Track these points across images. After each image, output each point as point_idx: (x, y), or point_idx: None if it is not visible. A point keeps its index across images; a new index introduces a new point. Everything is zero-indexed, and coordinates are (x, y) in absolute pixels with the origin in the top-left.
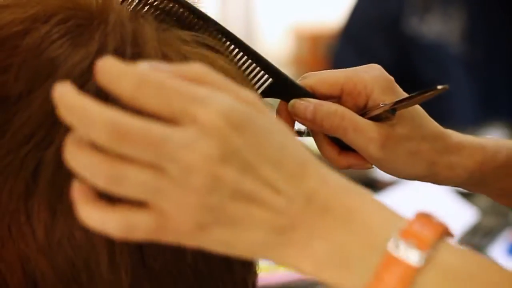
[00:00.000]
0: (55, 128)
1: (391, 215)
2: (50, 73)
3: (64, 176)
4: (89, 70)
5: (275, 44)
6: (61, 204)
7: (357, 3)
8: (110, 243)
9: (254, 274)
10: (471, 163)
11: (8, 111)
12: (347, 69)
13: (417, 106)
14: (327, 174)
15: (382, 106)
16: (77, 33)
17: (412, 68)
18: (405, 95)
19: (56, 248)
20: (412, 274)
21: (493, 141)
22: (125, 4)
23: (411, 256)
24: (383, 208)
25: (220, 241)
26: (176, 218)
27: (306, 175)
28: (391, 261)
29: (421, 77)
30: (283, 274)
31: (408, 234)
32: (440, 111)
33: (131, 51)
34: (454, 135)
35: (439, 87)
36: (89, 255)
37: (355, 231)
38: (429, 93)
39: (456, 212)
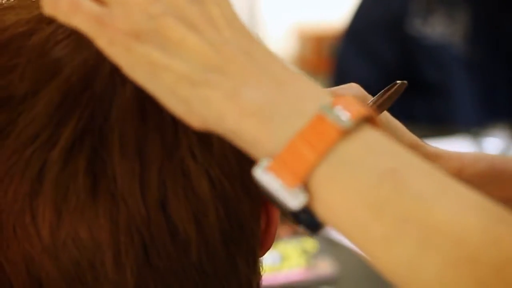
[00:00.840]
0: (60, 128)
1: (328, 94)
2: (55, 74)
3: (69, 176)
4: (93, 70)
5: (278, 44)
6: (66, 204)
7: (360, 3)
8: (115, 243)
9: (259, 275)
10: (449, 170)
11: (13, 111)
12: (328, 89)
13: (395, 120)
14: (274, 54)
15: None
16: (82, 33)
17: (415, 69)
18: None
19: (61, 248)
20: (337, 137)
21: (472, 153)
22: None
23: (341, 118)
24: (323, 90)
25: (147, 60)
26: (118, 16)
27: (253, 40)
28: (318, 122)
29: (424, 78)
30: (286, 274)
31: (339, 102)
32: (443, 112)
33: None
34: (430, 146)
35: (398, 82)
36: (94, 255)
37: (288, 92)
38: (391, 91)
39: None
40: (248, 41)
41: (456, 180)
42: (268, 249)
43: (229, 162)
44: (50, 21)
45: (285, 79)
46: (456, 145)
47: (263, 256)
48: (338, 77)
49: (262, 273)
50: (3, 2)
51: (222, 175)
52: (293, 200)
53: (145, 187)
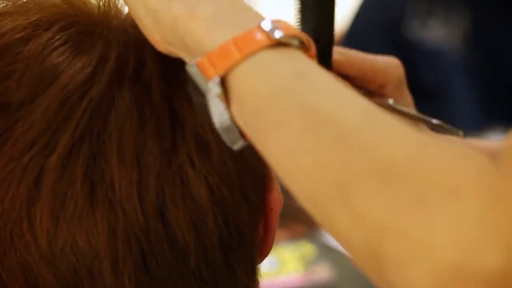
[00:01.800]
0: (57, 135)
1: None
2: (52, 80)
3: (66, 183)
4: (91, 77)
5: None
6: (64, 212)
7: (360, 7)
8: (113, 251)
9: (257, 282)
10: None
11: (10, 118)
12: (371, 55)
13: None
14: None
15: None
16: (79, 40)
17: (413, 73)
18: (409, 96)
19: (59, 256)
20: (265, 45)
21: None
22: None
23: (275, 33)
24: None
25: None
26: None
27: None
28: (253, 32)
29: (422, 82)
30: (284, 280)
31: (280, 23)
32: (441, 116)
33: (134, 58)
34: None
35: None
36: (92, 263)
37: (238, 7)
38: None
39: None
40: None
41: (356, 93)
42: (266, 256)
43: (228, 169)
44: (47, 27)
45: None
46: None
47: (260, 263)
48: None
49: (259, 281)
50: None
51: (220, 182)
52: (209, 91)
53: (143, 194)
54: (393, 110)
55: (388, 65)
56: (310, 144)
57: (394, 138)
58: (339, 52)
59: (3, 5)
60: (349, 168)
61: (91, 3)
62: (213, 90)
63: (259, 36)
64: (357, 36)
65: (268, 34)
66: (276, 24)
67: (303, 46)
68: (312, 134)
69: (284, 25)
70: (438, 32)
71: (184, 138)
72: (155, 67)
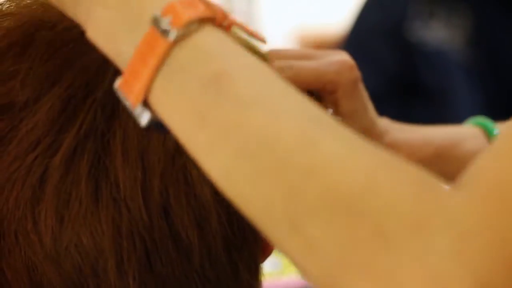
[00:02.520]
0: (62, 135)
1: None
2: (56, 80)
3: (71, 183)
4: (95, 77)
5: (278, 48)
6: (68, 211)
7: (361, 8)
8: (118, 249)
9: (260, 281)
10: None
11: (15, 118)
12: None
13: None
14: None
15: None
16: (83, 40)
17: (415, 74)
18: (363, 99)
19: (63, 255)
20: (167, 48)
21: (422, 136)
22: None
23: (168, 28)
24: None
25: None
26: None
27: None
28: (150, 35)
29: (424, 83)
30: (286, 281)
31: (169, 10)
32: (443, 118)
33: None
34: (381, 126)
35: None
36: (97, 261)
37: (132, 5)
38: None
39: None
40: None
41: (283, 82)
42: (269, 255)
43: None
44: (51, 26)
45: None
46: None
47: (263, 262)
48: None
49: (261, 280)
50: (2, 7)
51: None
52: (140, 118)
53: (148, 193)
54: None
55: (338, 69)
56: (247, 170)
57: (343, 158)
58: (287, 67)
59: (7, 5)
60: (296, 197)
61: None
62: (140, 118)
63: (156, 39)
64: (359, 38)
65: (163, 34)
66: (168, 14)
67: (207, 21)
68: (247, 159)
69: (176, 13)
70: (440, 33)
71: None
72: None
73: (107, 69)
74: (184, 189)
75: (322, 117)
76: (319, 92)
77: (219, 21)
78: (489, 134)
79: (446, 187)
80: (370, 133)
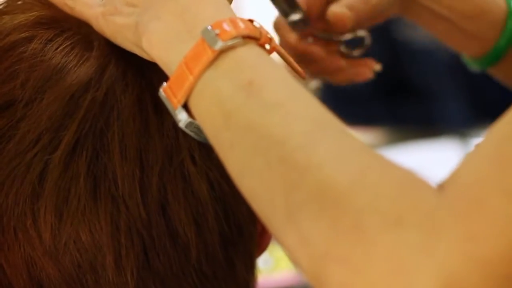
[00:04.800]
0: (61, 132)
1: (223, 13)
2: (57, 80)
3: (70, 179)
4: (95, 75)
5: None
6: (68, 207)
7: None
8: (116, 246)
9: (255, 277)
10: None
11: (15, 116)
12: None
13: None
14: None
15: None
16: (83, 39)
17: (403, 72)
18: None
19: (62, 251)
20: (210, 58)
21: None
22: None
23: (215, 40)
24: (222, 7)
25: (115, 25)
26: None
27: None
28: (199, 45)
29: (412, 81)
30: (278, 278)
31: (219, 24)
32: (431, 115)
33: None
34: None
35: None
36: (95, 257)
37: (187, 19)
38: None
39: None
40: None
41: (305, 93)
42: (264, 250)
43: None
44: (49, 26)
45: (189, 4)
46: (444, 147)
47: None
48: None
49: (257, 276)
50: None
51: (221, 177)
52: (179, 119)
53: (146, 190)
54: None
55: None
56: (258, 165)
57: (338, 158)
58: (347, 7)
59: (4, 5)
60: (294, 190)
61: None
62: (180, 118)
63: (203, 49)
64: None
65: (210, 46)
66: (217, 28)
67: (251, 40)
68: (260, 155)
69: (224, 27)
70: (427, 32)
71: (185, 134)
72: (157, 67)
73: (107, 67)
74: (182, 185)
75: (330, 122)
76: None
77: (263, 42)
78: None
79: (433, 188)
80: None
